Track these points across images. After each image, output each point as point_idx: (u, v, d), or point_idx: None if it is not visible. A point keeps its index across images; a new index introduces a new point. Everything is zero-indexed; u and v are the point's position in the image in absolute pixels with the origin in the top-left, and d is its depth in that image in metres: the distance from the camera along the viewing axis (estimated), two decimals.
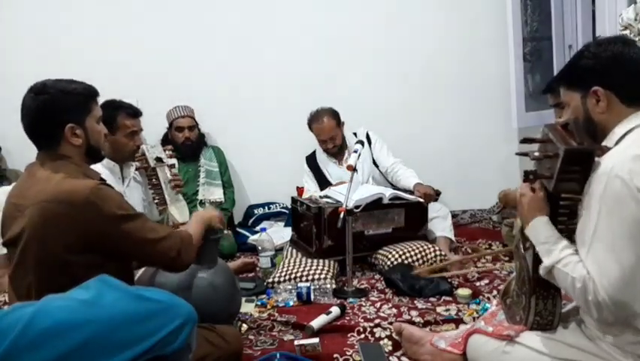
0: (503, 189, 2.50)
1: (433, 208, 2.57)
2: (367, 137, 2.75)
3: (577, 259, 1.10)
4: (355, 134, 2.76)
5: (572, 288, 1.08)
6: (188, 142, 2.89)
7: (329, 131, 2.65)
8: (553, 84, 2.14)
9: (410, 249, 2.26)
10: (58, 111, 1.29)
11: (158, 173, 2.15)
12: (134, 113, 2.06)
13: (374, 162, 2.75)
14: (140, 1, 3.07)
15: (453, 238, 2.54)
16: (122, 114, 2.00)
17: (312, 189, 2.81)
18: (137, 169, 2.17)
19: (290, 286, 2.05)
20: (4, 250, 1.58)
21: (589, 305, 1.06)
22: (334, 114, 2.68)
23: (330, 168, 2.77)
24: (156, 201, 2.16)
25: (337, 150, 2.71)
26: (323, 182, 2.75)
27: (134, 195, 2.07)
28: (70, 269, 1.23)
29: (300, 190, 3.03)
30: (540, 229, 1.17)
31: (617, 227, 1.04)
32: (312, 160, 2.86)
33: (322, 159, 2.81)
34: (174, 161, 2.66)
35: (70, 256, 1.23)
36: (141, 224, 1.30)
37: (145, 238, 1.29)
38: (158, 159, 2.19)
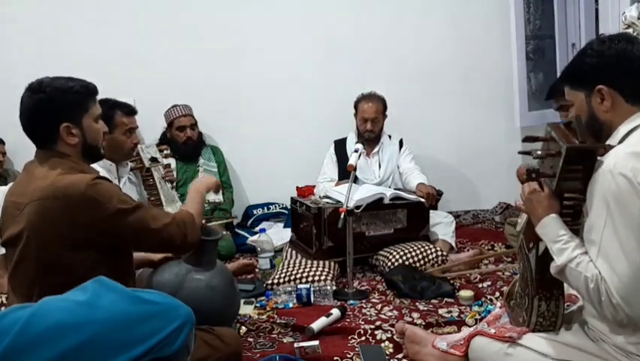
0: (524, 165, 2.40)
1: (440, 215, 2.61)
2: (400, 142, 2.86)
3: (589, 258, 1.08)
4: (390, 137, 2.86)
5: (584, 288, 1.07)
6: (190, 141, 2.88)
7: (374, 112, 2.73)
8: (556, 84, 2.15)
9: (411, 250, 2.25)
10: (54, 110, 1.28)
11: (153, 173, 2.14)
12: (131, 110, 2.05)
13: (398, 165, 2.85)
14: (139, 2, 3.06)
15: (453, 245, 2.54)
16: (118, 112, 2.00)
17: (328, 173, 2.84)
18: (132, 170, 2.16)
19: (289, 288, 2.03)
20: (3, 250, 1.57)
21: (602, 306, 1.04)
22: (383, 102, 2.78)
23: (352, 159, 2.78)
24: (152, 201, 2.15)
25: (372, 137, 2.75)
26: (345, 169, 2.73)
27: (129, 195, 2.05)
28: (71, 267, 1.22)
29: (299, 190, 3.02)
30: (552, 227, 1.15)
31: (625, 226, 1.02)
32: (340, 145, 2.87)
33: (352, 146, 2.80)
34: (170, 161, 2.65)
35: (70, 254, 1.22)
36: (142, 214, 1.29)
37: (148, 228, 1.29)
38: (153, 159, 2.18)
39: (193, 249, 1.42)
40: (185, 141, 2.87)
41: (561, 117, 2.05)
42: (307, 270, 2.14)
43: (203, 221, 2.64)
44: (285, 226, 2.91)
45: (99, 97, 1.40)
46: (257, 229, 2.92)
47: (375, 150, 2.81)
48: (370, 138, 2.76)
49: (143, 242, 1.32)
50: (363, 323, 1.76)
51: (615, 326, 1.10)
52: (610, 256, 1.04)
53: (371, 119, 2.72)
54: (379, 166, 2.80)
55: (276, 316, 1.85)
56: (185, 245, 1.37)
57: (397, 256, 2.21)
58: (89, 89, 1.34)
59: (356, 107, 2.80)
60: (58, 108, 1.28)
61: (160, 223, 1.31)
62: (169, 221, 1.33)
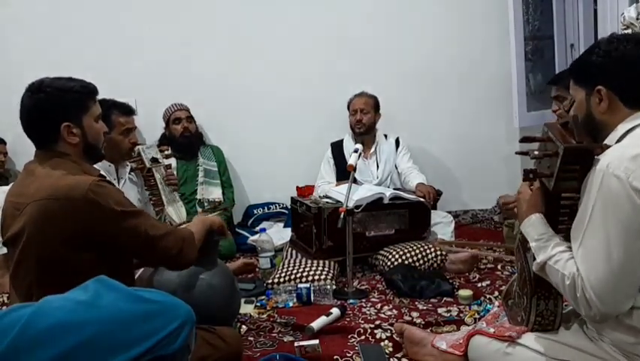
0: (503, 195, 2.48)
1: (439, 215, 2.63)
2: (397, 141, 2.89)
3: (568, 256, 1.10)
4: (386, 136, 2.89)
5: (562, 285, 1.09)
6: (187, 133, 2.87)
7: (364, 103, 2.80)
8: (566, 72, 2.14)
9: (410, 249, 2.25)
10: (55, 110, 1.28)
11: (155, 174, 2.15)
12: (129, 110, 2.05)
13: (396, 165, 2.87)
14: (139, 2, 3.06)
15: None
16: (115, 112, 2.00)
17: (326, 177, 2.86)
18: (133, 170, 2.16)
19: (290, 287, 2.03)
20: (4, 250, 1.58)
21: (577, 302, 1.06)
22: (375, 99, 2.86)
23: (352, 159, 2.80)
24: (153, 201, 2.15)
25: (363, 130, 2.78)
26: (344, 170, 2.74)
27: (129, 195, 2.04)
28: (71, 267, 1.22)
29: (299, 190, 3.03)
30: (534, 226, 1.17)
31: (609, 226, 1.03)
32: (337, 147, 2.89)
33: (349, 147, 2.83)
34: (171, 161, 2.65)
35: (70, 254, 1.22)
36: (142, 221, 1.29)
37: (146, 235, 1.28)
38: (154, 160, 2.18)
39: (186, 267, 1.41)
40: (182, 133, 2.86)
41: (554, 105, 2.04)
42: (307, 269, 2.15)
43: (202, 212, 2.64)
44: (285, 226, 2.92)
45: (99, 97, 1.41)
46: (257, 228, 2.93)
47: (372, 150, 2.83)
48: (362, 132, 2.78)
49: (138, 249, 1.31)
50: (362, 322, 1.76)
51: (594, 323, 1.12)
52: (589, 254, 1.05)
53: (360, 109, 2.77)
54: (377, 167, 2.82)
55: (276, 315, 1.85)
56: (180, 259, 1.35)
57: (397, 256, 2.22)
58: (89, 89, 1.35)
59: (348, 106, 2.86)
60: (59, 108, 1.28)
61: (158, 233, 1.30)
62: (167, 232, 1.32)
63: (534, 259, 1.19)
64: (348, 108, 2.86)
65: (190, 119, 2.92)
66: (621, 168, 1.02)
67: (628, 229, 1.01)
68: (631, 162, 1.02)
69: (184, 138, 2.87)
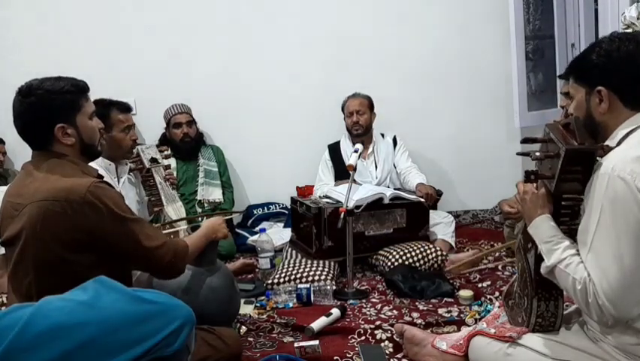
0: (505, 200, 2.46)
1: (439, 215, 2.63)
2: (394, 140, 2.89)
3: (578, 260, 1.08)
4: (383, 135, 2.89)
5: (572, 289, 1.08)
6: (187, 138, 2.87)
7: (359, 104, 2.80)
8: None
9: (411, 249, 2.25)
10: (47, 113, 1.26)
11: (154, 174, 2.15)
12: (126, 108, 2.06)
13: (394, 165, 2.87)
14: (139, 2, 3.06)
15: (453, 244, 2.55)
16: (114, 110, 2.00)
17: (324, 180, 2.86)
18: (132, 170, 2.16)
19: (290, 288, 2.03)
20: (3, 250, 1.57)
21: (589, 307, 1.05)
22: (369, 99, 2.86)
23: (352, 159, 2.81)
24: (152, 202, 2.15)
25: (360, 132, 2.78)
26: (342, 172, 2.74)
27: (128, 195, 2.06)
28: (70, 268, 1.22)
29: (299, 190, 3.03)
30: (543, 228, 1.16)
31: (618, 229, 1.02)
32: (335, 149, 2.89)
33: (346, 149, 2.83)
34: (170, 161, 2.65)
35: (69, 255, 1.22)
36: (139, 229, 1.28)
37: (139, 244, 1.28)
38: (153, 160, 2.18)
39: (173, 278, 1.41)
40: (182, 138, 2.86)
41: (562, 101, 2.02)
42: (307, 270, 2.15)
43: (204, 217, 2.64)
44: (285, 226, 2.91)
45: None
46: (257, 228, 2.92)
47: (370, 150, 2.83)
48: (359, 133, 2.78)
49: (129, 255, 1.30)
50: (363, 322, 1.76)
51: (603, 327, 1.11)
52: (600, 259, 1.04)
53: (356, 111, 2.77)
54: (375, 167, 2.81)
55: (276, 315, 1.85)
56: (168, 271, 1.36)
57: (397, 256, 2.21)
58: (80, 87, 1.32)
59: (343, 108, 2.86)
60: (50, 110, 1.26)
61: (151, 243, 1.29)
62: (161, 244, 1.32)
63: (538, 260, 1.19)
64: (343, 110, 2.85)
65: (190, 123, 2.90)
66: (626, 170, 1.01)
67: (637, 232, 1.01)
68: (636, 164, 1.02)
69: (184, 143, 2.87)
